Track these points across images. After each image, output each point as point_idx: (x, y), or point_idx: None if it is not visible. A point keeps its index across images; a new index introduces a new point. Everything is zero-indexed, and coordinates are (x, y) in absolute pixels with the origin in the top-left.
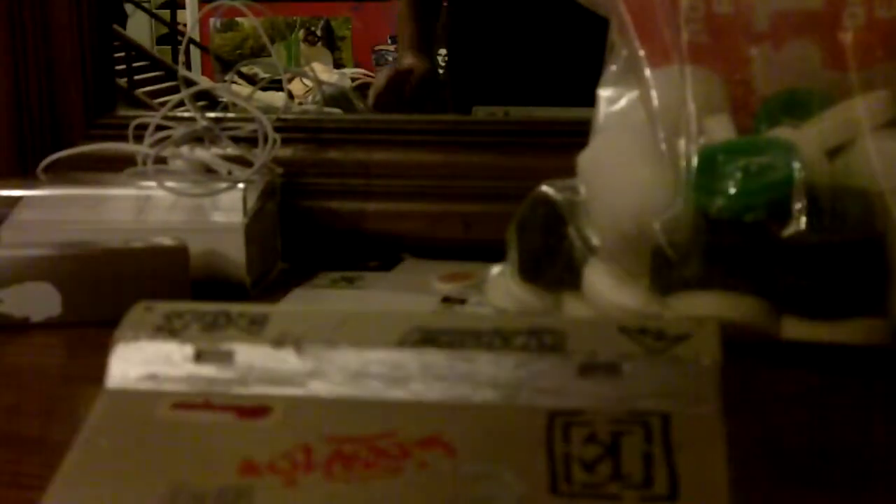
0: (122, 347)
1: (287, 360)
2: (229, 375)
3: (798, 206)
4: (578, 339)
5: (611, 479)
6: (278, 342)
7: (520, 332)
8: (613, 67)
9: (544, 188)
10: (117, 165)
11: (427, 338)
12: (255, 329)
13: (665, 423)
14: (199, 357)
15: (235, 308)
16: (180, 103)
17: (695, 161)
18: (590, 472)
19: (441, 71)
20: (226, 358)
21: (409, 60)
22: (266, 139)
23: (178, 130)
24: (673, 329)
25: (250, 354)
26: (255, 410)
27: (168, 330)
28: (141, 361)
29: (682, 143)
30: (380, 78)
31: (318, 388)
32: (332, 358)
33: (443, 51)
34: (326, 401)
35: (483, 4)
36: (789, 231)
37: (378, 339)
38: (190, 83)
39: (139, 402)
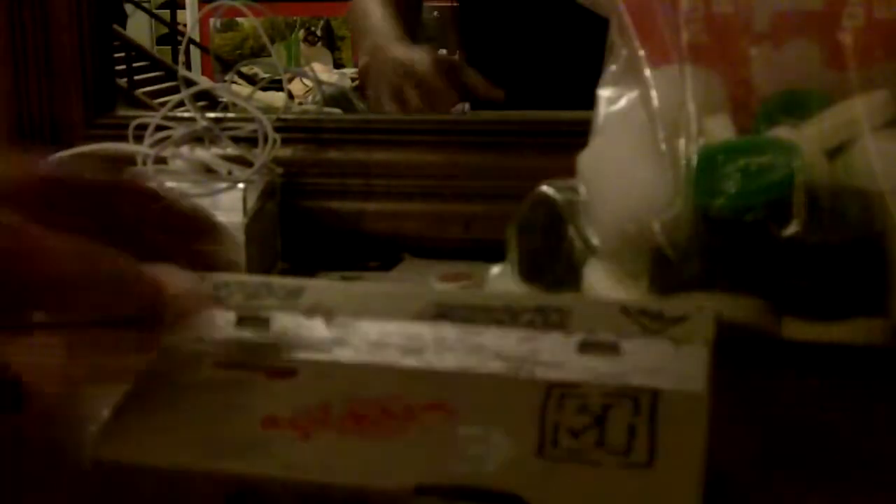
0: None
1: (316, 328)
2: (265, 339)
3: (798, 206)
4: (582, 317)
5: (594, 447)
6: (310, 312)
7: (527, 310)
8: (613, 67)
9: (544, 188)
10: (117, 165)
11: (442, 312)
12: (290, 300)
13: (654, 398)
14: (241, 322)
15: (276, 280)
16: (180, 103)
17: (695, 161)
18: (576, 438)
19: None
20: (263, 324)
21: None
22: (266, 139)
23: (178, 130)
24: (672, 312)
25: (284, 322)
26: (283, 371)
27: (216, 298)
28: (191, 324)
29: (682, 143)
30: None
31: (342, 354)
32: (356, 328)
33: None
34: (347, 366)
35: (496, 6)
36: (789, 231)
37: (398, 313)
38: (190, 83)
39: (186, 359)
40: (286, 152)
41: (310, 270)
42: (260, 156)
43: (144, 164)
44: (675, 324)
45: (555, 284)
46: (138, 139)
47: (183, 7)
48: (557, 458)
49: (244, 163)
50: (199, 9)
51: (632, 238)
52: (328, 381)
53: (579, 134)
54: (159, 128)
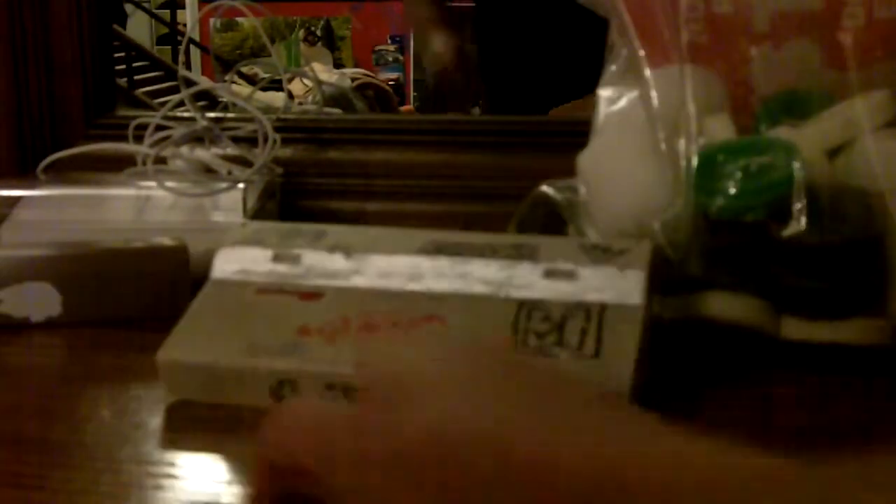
0: (224, 251)
1: (338, 261)
2: (297, 271)
3: (798, 206)
4: (548, 251)
5: (554, 345)
6: (332, 249)
7: (505, 246)
8: (613, 67)
9: (544, 188)
10: (117, 165)
11: (439, 248)
12: (316, 240)
13: (602, 309)
14: (276, 258)
15: (303, 226)
16: (180, 103)
17: (695, 161)
18: (541, 339)
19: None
20: (295, 259)
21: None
22: (266, 139)
23: (178, 130)
24: (617, 245)
25: (312, 257)
26: (312, 294)
27: (255, 240)
28: (236, 261)
29: (682, 143)
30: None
31: (359, 281)
32: (369, 261)
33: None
34: (363, 290)
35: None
36: (789, 231)
37: (402, 249)
38: (190, 83)
39: (233, 287)
40: (286, 152)
41: None
42: (260, 156)
43: (144, 164)
44: (620, 254)
45: None
46: (138, 139)
47: (183, 7)
48: (527, 353)
49: (244, 163)
50: (199, 9)
51: (632, 238)
52: (348, 301)
53: (579, 134)
54: (159, 128)
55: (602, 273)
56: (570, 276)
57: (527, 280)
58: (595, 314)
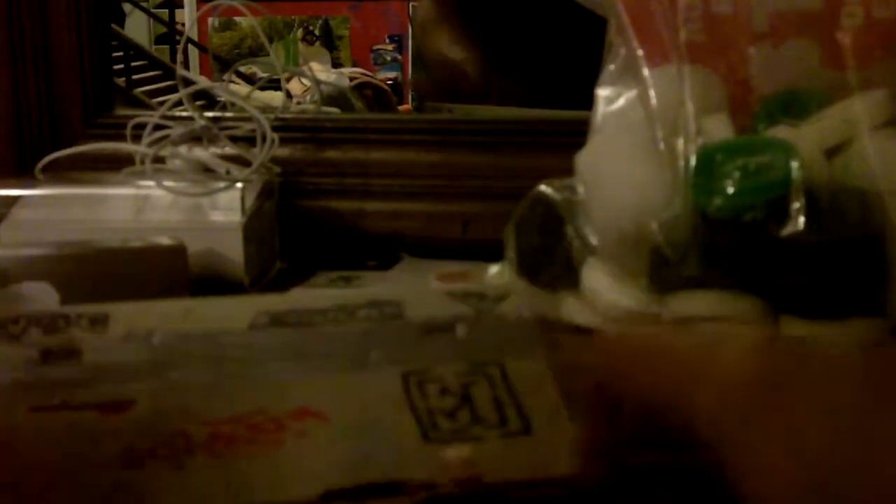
0: None
1: (136, 351)
2: (80, 374)
3: (796, 205)
4: (415, 306)
5: (472, 423)
6: (126, 338)
7: (361, 306)
8: (611, 67)
9: (542, 188)
10: (116, 165)
11: (276, 319)
12: (98, 328)
13: (502, 371)
14: (46, 358)
15: (72, 310)
16: (178, 103)
17: (693, 161)
18: (452, 419)
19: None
20: (73, 356)
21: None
22: (264, 138)
23: (177, 130)
24: (492, 291)
25: (98, 350)
26: (117, 405)
27: (6, 335)
28: None
29: (680, 143)
30: None
31: (177, 375)
32: (186, 346)
33: None
34: (189, 387)
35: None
36: (788, 231)
37: (226, 325)
38: (188, 82)
39: None
40: (284, 152)
41: (308, 270)
42: (258, 155)
43: (143, 163)
44: (500, 301)
45: (553, 284)
46: (137, 138)
47: (181, 6)
48: (444, 439)
49: (242, 162)
50: (198, 8)
51: (630, 238)
52: (174, 406)
53: (578, 133)
54: (157, 127)
55: (486, 325)
56: (450, 331)
57: (401, 345)
58: (498, 379)
